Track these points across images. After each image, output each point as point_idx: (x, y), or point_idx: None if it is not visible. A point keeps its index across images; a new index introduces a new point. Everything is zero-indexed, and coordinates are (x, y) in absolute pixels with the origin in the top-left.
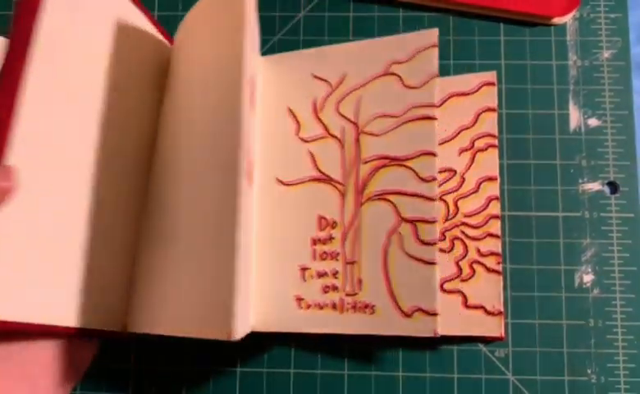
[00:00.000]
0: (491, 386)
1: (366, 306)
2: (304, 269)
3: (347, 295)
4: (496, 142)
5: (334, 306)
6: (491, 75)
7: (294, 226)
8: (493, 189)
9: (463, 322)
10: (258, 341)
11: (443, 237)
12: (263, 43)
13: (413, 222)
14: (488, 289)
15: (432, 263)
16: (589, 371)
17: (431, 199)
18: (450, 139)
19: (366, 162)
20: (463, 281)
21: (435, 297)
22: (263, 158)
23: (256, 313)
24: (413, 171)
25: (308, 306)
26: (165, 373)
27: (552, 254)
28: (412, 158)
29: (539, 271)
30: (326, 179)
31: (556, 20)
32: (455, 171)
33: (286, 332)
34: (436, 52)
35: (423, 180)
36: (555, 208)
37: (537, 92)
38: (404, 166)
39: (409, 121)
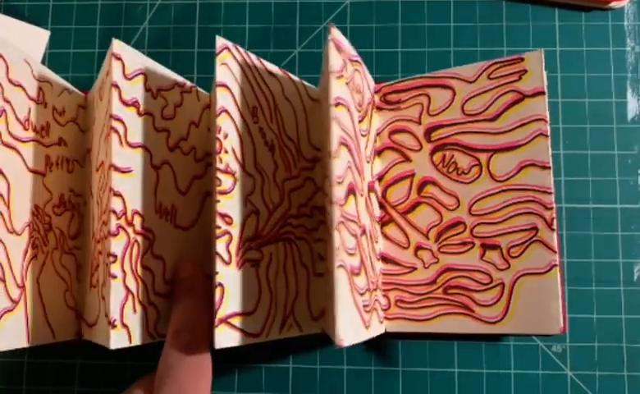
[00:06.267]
0: (548, 381)
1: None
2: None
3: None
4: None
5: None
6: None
7: None
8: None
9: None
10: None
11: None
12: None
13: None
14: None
15: None
16: None
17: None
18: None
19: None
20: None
21: None
22: None
23: None
24: None
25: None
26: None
27: (610, 247)
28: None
29: (597, 264)
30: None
31: (614, 4)
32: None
33: None
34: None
35: None
36: (613, 200)
37: (594, 80)
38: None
39: None
